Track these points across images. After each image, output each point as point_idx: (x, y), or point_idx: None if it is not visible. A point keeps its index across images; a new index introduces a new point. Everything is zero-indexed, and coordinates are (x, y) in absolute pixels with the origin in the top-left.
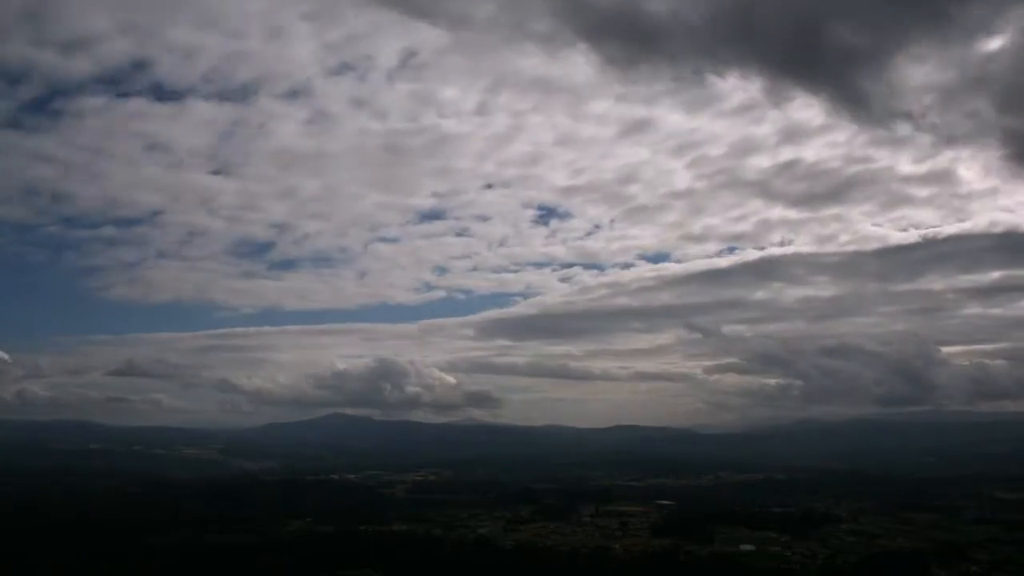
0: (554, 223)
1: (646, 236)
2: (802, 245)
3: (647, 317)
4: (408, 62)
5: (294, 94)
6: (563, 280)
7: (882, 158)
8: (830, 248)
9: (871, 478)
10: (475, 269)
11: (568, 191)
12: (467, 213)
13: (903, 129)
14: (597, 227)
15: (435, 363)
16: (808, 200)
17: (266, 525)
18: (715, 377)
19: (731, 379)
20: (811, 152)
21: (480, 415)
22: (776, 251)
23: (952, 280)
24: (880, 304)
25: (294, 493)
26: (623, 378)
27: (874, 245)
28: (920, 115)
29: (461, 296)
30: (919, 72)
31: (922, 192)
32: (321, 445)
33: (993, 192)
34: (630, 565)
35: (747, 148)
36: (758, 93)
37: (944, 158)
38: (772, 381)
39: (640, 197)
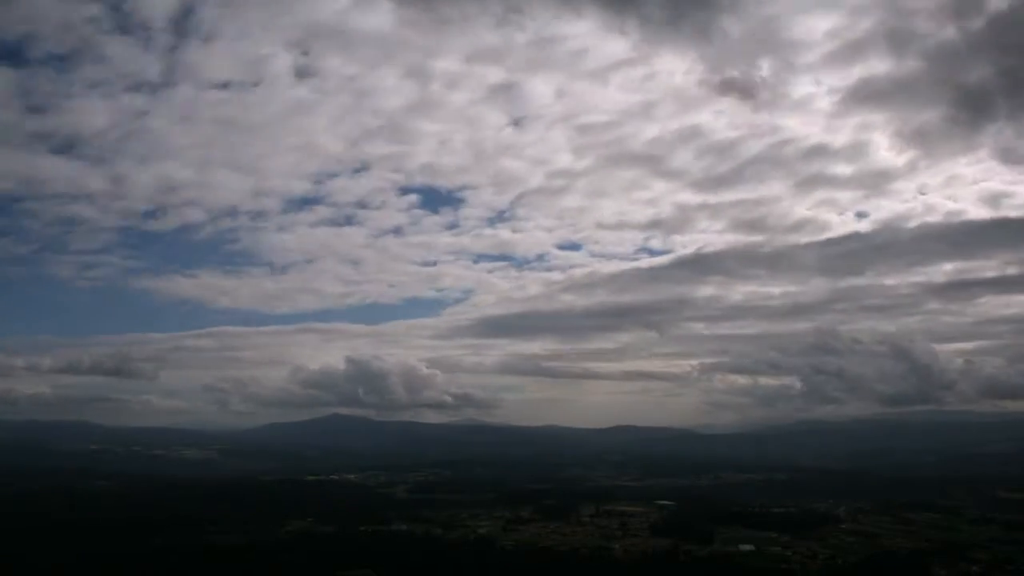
0: (446, 211)
1: (553, 224)
2: (730, 233)
3: (614, 316)
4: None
5: None
6: (492, 274)
7: (788, 128)
8: (761, 237)
9: (871, 478)
10: (386, 266)
11: (445, 172)
12: (343, 199)
13: (801, 89)
14: (500, 214)
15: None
16: (718, 181)
17: (266, 525)
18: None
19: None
20: (705, 120)
21: (480, 415)
22: (709, 245)
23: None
24: (840, 301)
25: (294, 493)
26: (603, 376)
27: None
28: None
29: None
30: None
31: (840, 169)
32: (321, 445)
33: (912, 169)
34: (630, 565)
35: (629, 116)
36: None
37: (853, 124)
38: (743, 380)
39: (531, 179)
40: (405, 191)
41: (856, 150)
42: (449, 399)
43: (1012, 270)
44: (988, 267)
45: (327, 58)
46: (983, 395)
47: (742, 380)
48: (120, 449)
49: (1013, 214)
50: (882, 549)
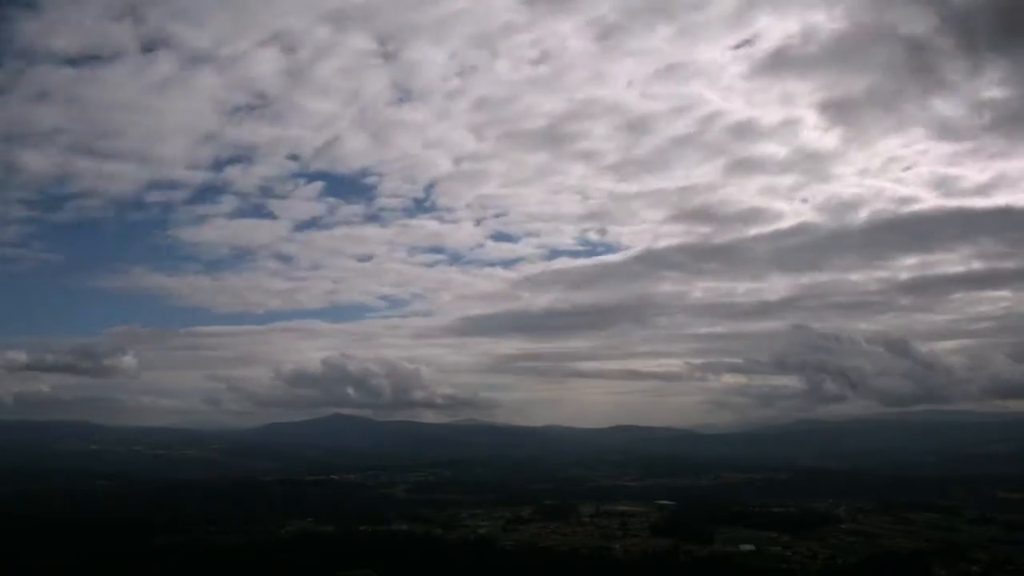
0: (358, 200)
1: (479, 214)
2: (674, 223)
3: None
4: None
5: None
6: (433, 268)
7: (708, 101)
8: (708, 228)
9: (871, 478)
10: (323, 261)
11: (342, 156)
12: (246, 188)
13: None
14: (419, 203)
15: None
16: (641, 165)
17: (266, 525)
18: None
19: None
20: (612, 92)
21: (480, 415)
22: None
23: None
24: (807, 298)
25: (294, 493)
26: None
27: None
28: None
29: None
30: None
31: (771, 149)
32: (321, 445)
33: (846, 149)
34: (630, 565)
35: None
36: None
37: (776, 96)
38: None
39: (439, 164)
40: (309, 178)
41: (785, 128)
42: (440, 399)
43: (977, 265)
44: (951, 261)
45: (172, 27)
46: (985, 394)
47: (729, 377)
48: (120, 449)
49: (968, 203)
50: (882, 549)
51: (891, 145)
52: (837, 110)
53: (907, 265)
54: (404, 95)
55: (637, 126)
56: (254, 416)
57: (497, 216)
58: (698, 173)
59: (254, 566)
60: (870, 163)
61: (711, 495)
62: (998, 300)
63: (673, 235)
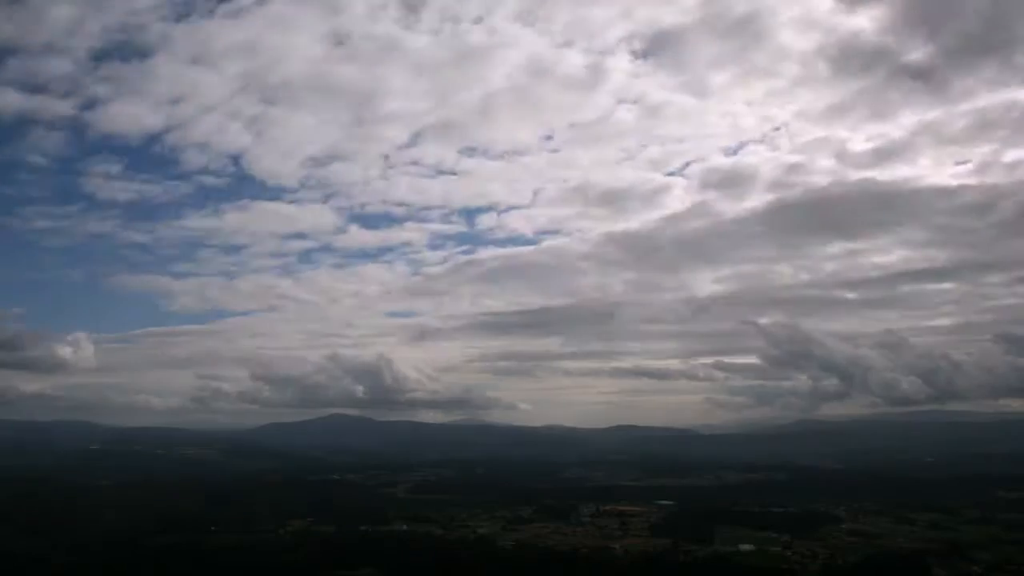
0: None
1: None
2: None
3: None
4: None
5: None
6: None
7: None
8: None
9: (871, 478)
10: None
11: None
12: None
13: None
14: (282, 191)
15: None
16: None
17: (266, 525)
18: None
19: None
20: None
21: (480, 415)
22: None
23: None
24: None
25: (294, 493)
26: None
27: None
28: None
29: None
30: None
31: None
32: (321, 445)
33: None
34: (630, 565)
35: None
36: None
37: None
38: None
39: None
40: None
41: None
42: (439, 398)
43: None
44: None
45: None
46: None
47: (718, 373)
48: (120, 449)
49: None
50: (882, 549)
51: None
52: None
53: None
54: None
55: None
56: (254, 416)
57: (365, 204)
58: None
59: (254, 566)
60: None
61: (711, 495)
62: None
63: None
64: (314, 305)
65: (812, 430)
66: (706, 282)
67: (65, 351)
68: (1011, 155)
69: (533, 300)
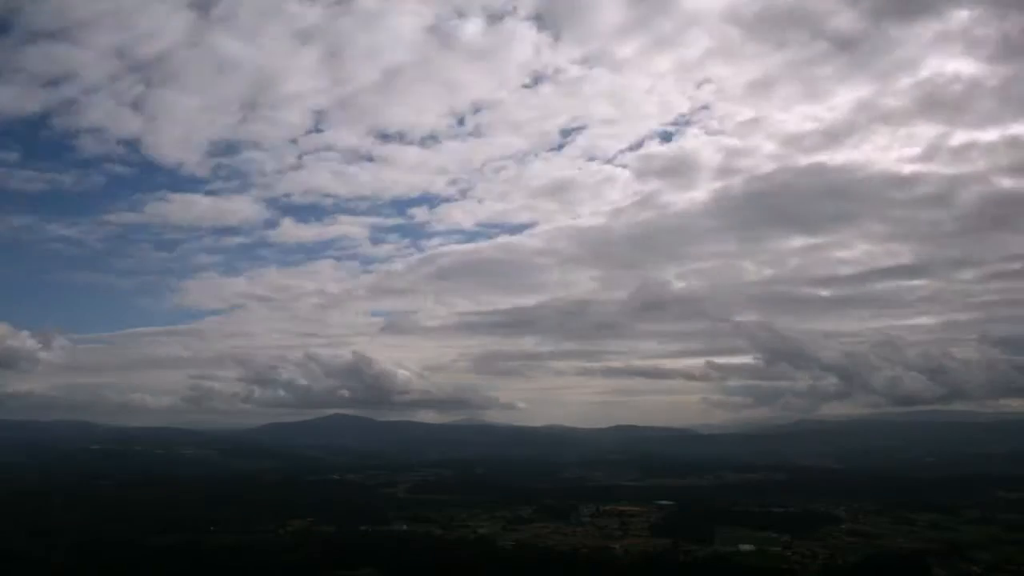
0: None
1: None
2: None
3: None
4: None
5: None
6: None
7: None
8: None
9: (871, 478)
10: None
11: None
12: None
13: None
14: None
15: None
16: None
17: (266, 525)
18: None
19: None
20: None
21: (480, 415)
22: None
23: None
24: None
25: (294, 493)
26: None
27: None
28: None
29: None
30: None
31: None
32: (321, 445)
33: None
34: (630, 565)
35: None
36: None
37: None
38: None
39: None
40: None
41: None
42: (429, 397)
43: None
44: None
45: None
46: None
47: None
48: (120, 449)
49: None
50: (882, 549)
51: None
52: None
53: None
54: None
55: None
56: (254, 416)
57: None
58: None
59: (254, 566)
60: None
61: (711, 495)
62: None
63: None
64: (278, 304)
65: (812, 430)
66: (671, 279)
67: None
68: (959, 137)
69: (504, 299)
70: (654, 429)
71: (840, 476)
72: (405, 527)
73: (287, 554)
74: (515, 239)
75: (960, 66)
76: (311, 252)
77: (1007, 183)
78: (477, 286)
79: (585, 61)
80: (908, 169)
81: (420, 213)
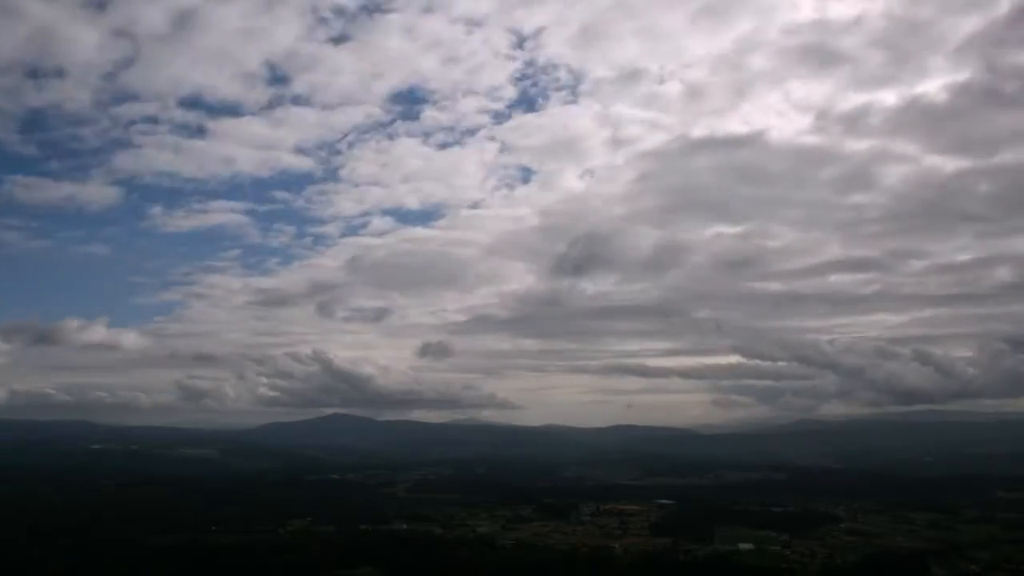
0: None
1: None
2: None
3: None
4: None
5: None
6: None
7: None
8: None
9: (871, 478)
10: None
11: None
12: None
13: None
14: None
15: None
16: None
17: (266, 525)
18: None
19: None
20: None
21: (480, 415)
22: None
23: None
24: None
25: (294, 493)
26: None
27: None
28: None
29: None
30: None
31: None
32: (321, 445)
33: None
34: (630, 564)
35: None
36: None
37: None
38: None
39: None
40: None
41: None
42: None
43: None
44: None
45: None
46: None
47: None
48: (120, 449)
49: None
50: (881, 549)
51: None
52: None
53: None
54: None
55: None
56: (254, 416)
57: None
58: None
59: (254, 566)
60: None
61: (711, 495)
62: None
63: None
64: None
65: (812, 430)
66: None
67: None
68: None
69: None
70: (653, 429)
71: (840, 476)
72: (405, 527)
73: (287, 554)
74: (431, 234)
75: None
76: (203, 242)
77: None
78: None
79: None
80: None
81: (289, 197)
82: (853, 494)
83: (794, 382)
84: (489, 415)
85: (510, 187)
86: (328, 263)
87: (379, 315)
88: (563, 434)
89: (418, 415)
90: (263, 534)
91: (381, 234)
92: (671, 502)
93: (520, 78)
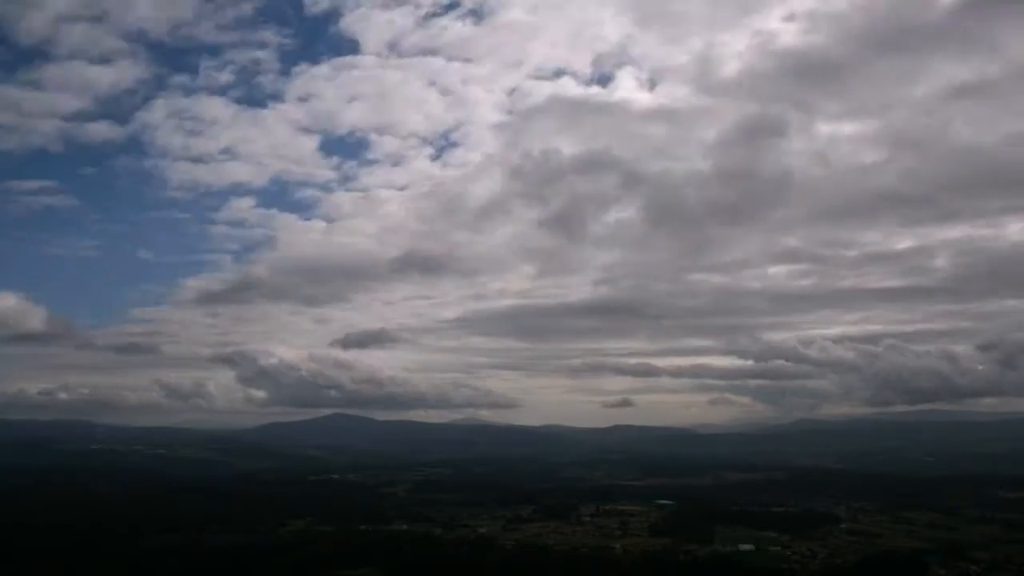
0: None
1: None
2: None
3: None
4: None
5: None
6: None
7: None
8: None
9: (871, 478)
10: None
11: None
12: None
13: None
14: None
15: None
16: None
17: (266, 525)
18: None
19: None
20: None
21: (481, 415)
22: None
23: None
24: None
25: (294, 493)
26: None
27: None
28: None
29: None
30: None
31: None
32: (321, 445)
33: None
34: (630, 565)
35: None
36: None
37: None
38: None
39: None
40: None
41: None
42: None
43: None
44: None
45: None
46: None
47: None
48: (120, 449)
49: None
50: (882, 549)
51: None
52: None
53: None
54: None
55: None
56: (254, 416)
57: None
58: None
59: (254, 566)
60: None
61: (711, 495)
62: None
63: None
64: None
65: (812, 430)
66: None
67: None
68: None
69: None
70: (653, 429)
71: (840, 476)
72: (405, 527)
73: (287, 554)
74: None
75: None
76: None
77: None
78: None
79: None
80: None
81: None
82: (853, 494)
83: (792, 381)
84: (489, 415)
85: None
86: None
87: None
88: (562, 434)
89: (418, 415)
90: (263, 534)
91: None
92: (671, 502)
93: None
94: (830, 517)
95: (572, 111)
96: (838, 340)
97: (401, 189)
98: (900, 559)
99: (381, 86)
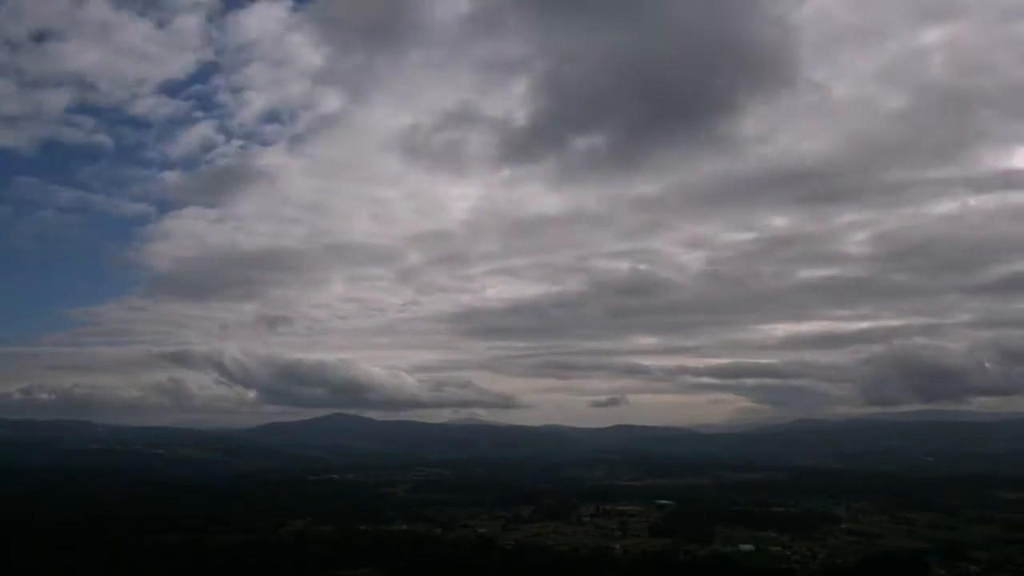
0: None
1: None
2: None
3: None
4: None
5: None
6: None
7: None
8: None
9: (871, 478)
10: None
11: None
12: None
13: None
14: None
15: None
16: None
17: (266, 525)
18: None
19: None
20: None
21: (481, 415)
22: None
23: None
24: None
25: (294, 493)
26: None
27: None
28: None
29: None
30: None
31: None
32: (321, 445)
33: None
34: (630, 565)
35: None
36: None
37: None
38: None
39: None
40: None
41: None
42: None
43: None
44: None
45: None
46: None
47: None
48: (120, 449)
49: None
50: (882, 549)
51: None
52: None
53: None
54: None
55: None
56: (254, 416)
57: None
58: None
59: (254, 566)
60: None
61: (711, 495)
62: None
63: None
64: None
65: (812, 430)
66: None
67: None
68: None
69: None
70: (654, 429)
71: (840, 476)
72: (405, 527)
73: (287, 554)
74: None
75: None
76: None
77: None
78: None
79: None
80: None
81: None
82: (853, 494)
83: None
84: (489, 416)
85: None
86: None
87: None
88: (563, 434)
89: (418, 415)
90: (263, 534)
91: None
92: (671, 502)
93: None
94: (830, 517)
95: None
96: (838, 339)
97: None
98: (900, 559)
99: None
